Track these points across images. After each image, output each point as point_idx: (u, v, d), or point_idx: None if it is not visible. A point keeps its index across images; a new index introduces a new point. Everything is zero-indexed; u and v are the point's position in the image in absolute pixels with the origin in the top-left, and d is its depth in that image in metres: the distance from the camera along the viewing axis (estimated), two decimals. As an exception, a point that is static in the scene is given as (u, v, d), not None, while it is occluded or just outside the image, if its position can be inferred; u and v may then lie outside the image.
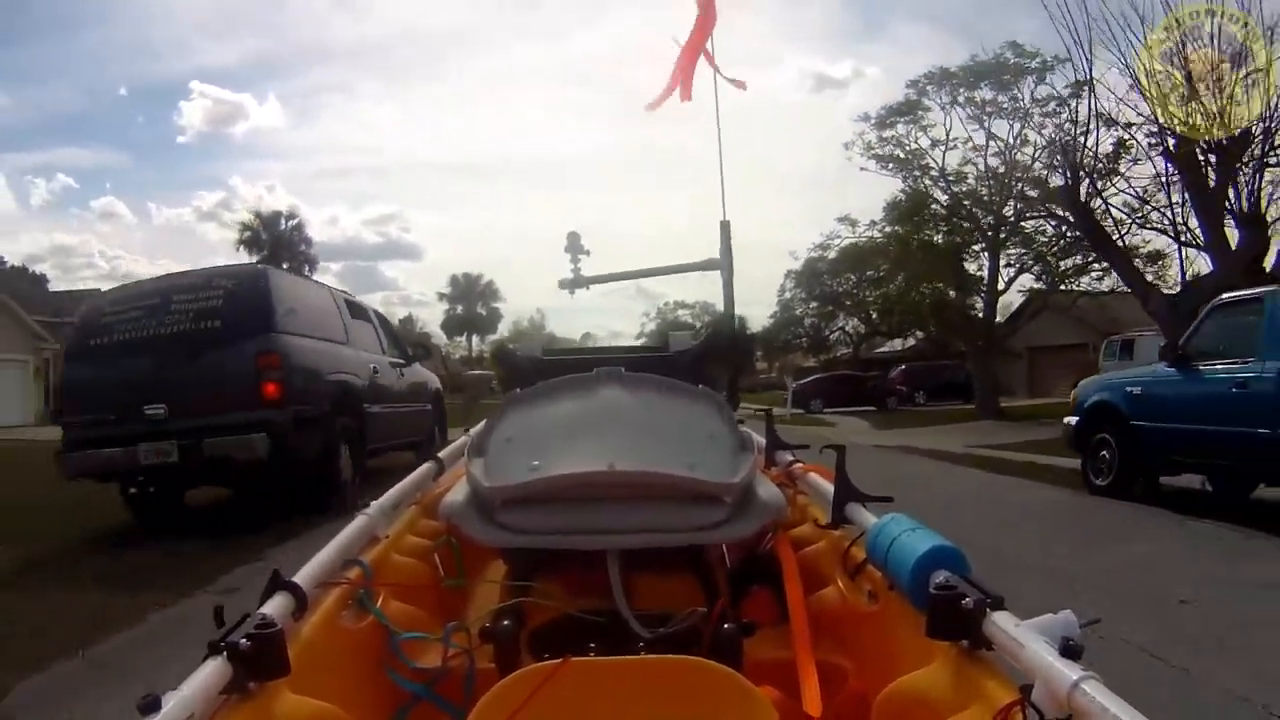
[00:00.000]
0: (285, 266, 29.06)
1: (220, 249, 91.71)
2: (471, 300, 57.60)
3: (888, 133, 20.60)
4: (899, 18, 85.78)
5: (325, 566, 1.50)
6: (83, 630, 4.24)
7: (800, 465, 2.25)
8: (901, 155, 20.47)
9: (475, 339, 58.84)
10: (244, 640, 1.08)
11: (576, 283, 3.43)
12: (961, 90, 19.41)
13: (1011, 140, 19.30)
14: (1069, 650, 1.00)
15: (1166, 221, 14.86)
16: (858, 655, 1.58)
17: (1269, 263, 13.19)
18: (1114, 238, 15.54)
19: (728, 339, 3.17)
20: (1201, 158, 13.21)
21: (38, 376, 27.02)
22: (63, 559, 6.16)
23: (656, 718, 1.21)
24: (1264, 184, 13.13)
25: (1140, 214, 15.85)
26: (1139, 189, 15.74)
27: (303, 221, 42.50)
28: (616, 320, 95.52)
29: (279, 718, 1.12)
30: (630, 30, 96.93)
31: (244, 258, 38.27)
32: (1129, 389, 7.74)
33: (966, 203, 19.97)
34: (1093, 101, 14.50)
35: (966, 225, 20.56)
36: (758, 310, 38.76)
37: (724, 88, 3.54)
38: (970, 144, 19.54)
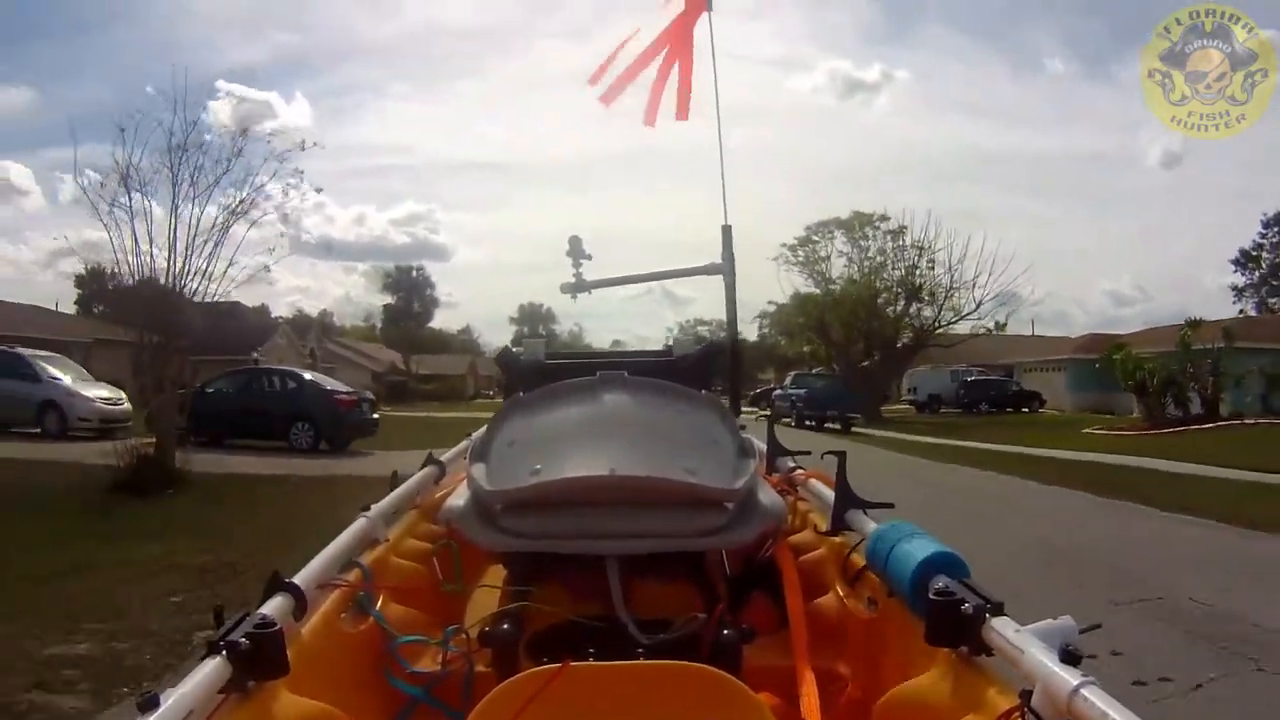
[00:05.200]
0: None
1: (244, 249, 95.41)
2: (534, 324, 74.81)
3: (799, 252, 40.99)
4: (927, 20, 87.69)
5: (325, 568, 1.50)
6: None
7: (801, 472, 2.24)
8: (805, 262, 41.11)
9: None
10: (243, 640, 1.08)
11: (578, 287, 3.37)
12: (834, 232, 40.24)
13: (862, 261, 39.52)
14: (1068, 656, 1.00)
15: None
16: (857, 662, 1.57)
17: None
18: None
19: (730, 346, 3.16)
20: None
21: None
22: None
23: None
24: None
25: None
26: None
27: (428, 272, 65.45)
28: (642, 325, 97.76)
29: (277, 717, 1.11)
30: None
31: (386, 298, 61.83)
32: (775, 391, 35.99)
33: (836, 294, 39.25)
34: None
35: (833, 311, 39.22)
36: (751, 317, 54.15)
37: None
38: (844, 258, 40.08)
